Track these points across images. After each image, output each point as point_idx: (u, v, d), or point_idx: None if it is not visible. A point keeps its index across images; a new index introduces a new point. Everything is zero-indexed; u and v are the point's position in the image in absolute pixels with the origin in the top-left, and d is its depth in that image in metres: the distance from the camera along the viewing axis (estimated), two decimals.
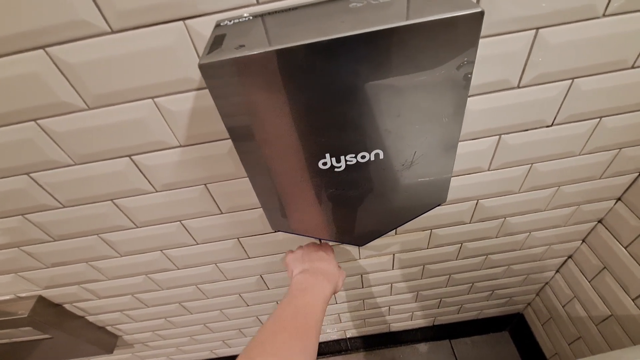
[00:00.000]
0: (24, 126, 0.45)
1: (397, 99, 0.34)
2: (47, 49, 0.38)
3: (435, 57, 0.32)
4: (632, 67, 0.48)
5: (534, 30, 0.43)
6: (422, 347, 1.41)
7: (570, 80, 0.49)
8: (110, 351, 1.02)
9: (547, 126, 0.55)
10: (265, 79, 0.31)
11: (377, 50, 0.30)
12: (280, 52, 0.29)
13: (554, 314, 1.09)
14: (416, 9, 0.30)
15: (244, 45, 0.29)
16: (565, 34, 0.43)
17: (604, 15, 0.42)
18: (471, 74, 0.34)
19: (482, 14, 0.29)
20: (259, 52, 0.28)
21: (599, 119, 0.55)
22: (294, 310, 0.43)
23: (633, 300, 0.77)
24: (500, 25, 0.42)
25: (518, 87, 0.48)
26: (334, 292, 0.51)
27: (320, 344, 1.33)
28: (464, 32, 0.30)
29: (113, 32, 0.38)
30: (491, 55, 0.44)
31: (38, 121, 0.45)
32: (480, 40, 0.42)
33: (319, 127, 0.35)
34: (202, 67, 0.29)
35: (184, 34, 0.38)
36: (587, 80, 0.49)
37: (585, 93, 0.50)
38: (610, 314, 0.84)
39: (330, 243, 0.65)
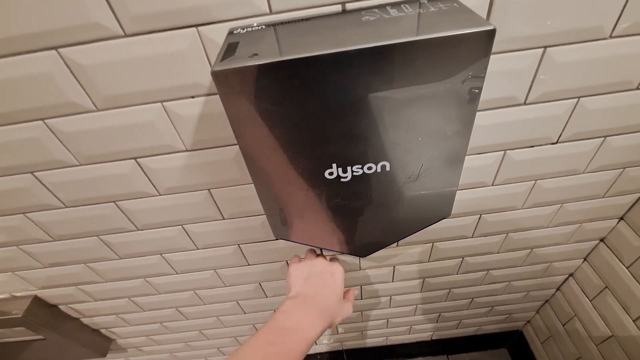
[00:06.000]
0: (31, 125, 0.45)
1: (407, 113, 0.34)
2: (59, 49, 0.39)
3: (446, 72, 0.32)
4: (638, 89, 0.48)
5: (542, 49, 0.43)
6: None
7: (576, 99, 0.49)
8: (103, 354, 1.01)
9: (553, 143, 0.55)
10: (278, 88, 0.31)
11: (389, 63, 0.30)
12: (294, 62, 0.29)
13: (553, 333, 1.07)
14: (429, 24, 0.31)
15: (257, 54, 0.30)
16: (573, 53, 0.44)
17: (610, 37, 0.43)
18: (480, 89, 0.34)
19: (494, 31, 0.29)
20: (273, 61, 0.29)
21: (603, 138, 0.55)
22: (267, 352, 0.37)
23: (634, 321, 0.76)
24: (508, 42, 0.42)
25: (524, 104, 0.49)
26: (328, 328, 0.45)
27: (316, 355, 1.32)
28: (476, 48, 0.30)
29: (126, 35, 0.38)
30: (499, 71, 0.44)
31: (45, 120, 0.45)
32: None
33: (327, 137, 0.35)
34: (215, 74, 0.29)
35: (196, 40, 0.39)
36: (593, 100, 0.49)
37: (591, 112, 0.51)
38: (611, 334, 0.83)
39: (332, 253, 0.64)
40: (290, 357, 0.37)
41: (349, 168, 0.38)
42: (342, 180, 0.39)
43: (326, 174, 0.38)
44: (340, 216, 0.45)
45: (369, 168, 0.38)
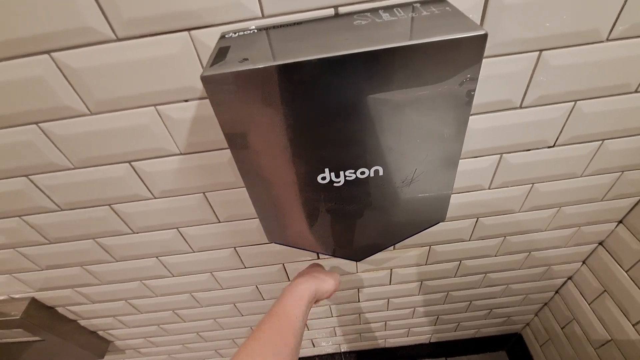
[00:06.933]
0: (25, 129, 0.45)
1: (400, 117, 0.34)
2: (52, 53, 0.39)
3: (439, 77, 0.32)
4: (635, 92, 0.48)
5: (537, 52, 0.43)
6: None
7: (573, 102, 0.49)
8: (101, 356, 1.01)
9: (549, 147, 0.54)
10: (268, 93, 0.31)
11: (380, 68, 0.30)
12: (284, 67, 0.29)
13: (552, 336, 1.07)
14: (421, 28, 0.31)
15: (247, 59, 0.29)
16: (569, 57, 0.43)
17: (607, 40, 0.42)
18: (474, 92, 0.34)
19: (485, 36, 0.29)
20: (262, 66, 0.28)
21: (601, 142, 0.55)
22: (270, 317, 0.43)
23: (633, 325, 0.75)
24: (504, 46, 0.42)
25: (520, 107, 0.48)
26: (318, 294, 0.49)
27: (314, 357, 1.32)
28: (468, 53, 0.30)
29: (118, 39, 0.38)
30: (494, 75, 0.44)
31: (40, 124, 0.45)
32: (484, 60, 0.42)
33: (319, 142, 0.35)
34: (205, 79, 0.29)
35: (188, 44, 0.38)
36: (589, 103, 0.49)
37: (588, 115, 0.50)
38: (609, 338, 0.83)
39: (327, 257, 0.64)
40: (286, 337, 0.40)
41: (341, 173, 0.38)
42: (334, 184, 0.39)
43: (319, 179, 0.38)
44: (334, 220, 0.44)
45: (362, 173, 0.38)
